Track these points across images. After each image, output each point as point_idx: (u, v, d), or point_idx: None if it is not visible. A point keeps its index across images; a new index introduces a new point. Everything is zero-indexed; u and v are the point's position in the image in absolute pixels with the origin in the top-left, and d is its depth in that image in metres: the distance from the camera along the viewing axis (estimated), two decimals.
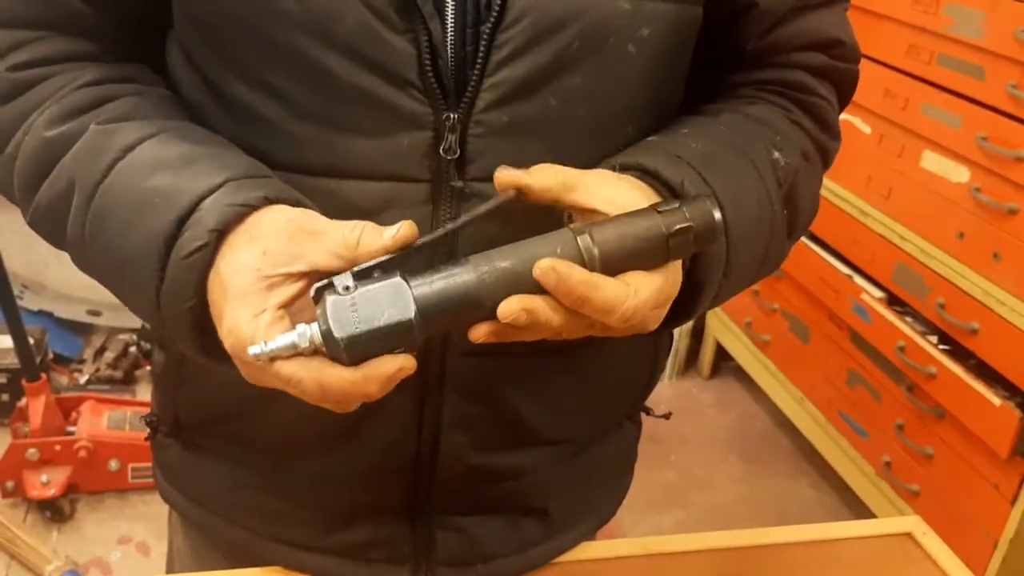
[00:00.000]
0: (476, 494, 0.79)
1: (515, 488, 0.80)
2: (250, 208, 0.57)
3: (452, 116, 0.63)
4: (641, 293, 0.57)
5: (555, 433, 0.79)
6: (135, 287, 0.60)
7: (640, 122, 0.70)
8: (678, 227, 0.56)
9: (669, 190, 0.62)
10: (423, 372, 0.71)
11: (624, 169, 0.64)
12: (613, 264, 0.56)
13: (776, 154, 0.70)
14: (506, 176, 0.58)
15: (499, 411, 0.75)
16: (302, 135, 0.64)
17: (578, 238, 0.56)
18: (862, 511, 2.32)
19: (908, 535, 0.92)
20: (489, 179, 0.65)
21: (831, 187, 2.33)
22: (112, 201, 0.61)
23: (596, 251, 0.56)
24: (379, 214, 0.65)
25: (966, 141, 1.91)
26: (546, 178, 0.59)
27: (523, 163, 0.65)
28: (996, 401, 1.83)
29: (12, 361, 2.26)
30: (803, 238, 2.44)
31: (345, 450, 0.74)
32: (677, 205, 0.57)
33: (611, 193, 0.60)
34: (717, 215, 0.57)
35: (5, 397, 2.36)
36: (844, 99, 0.80)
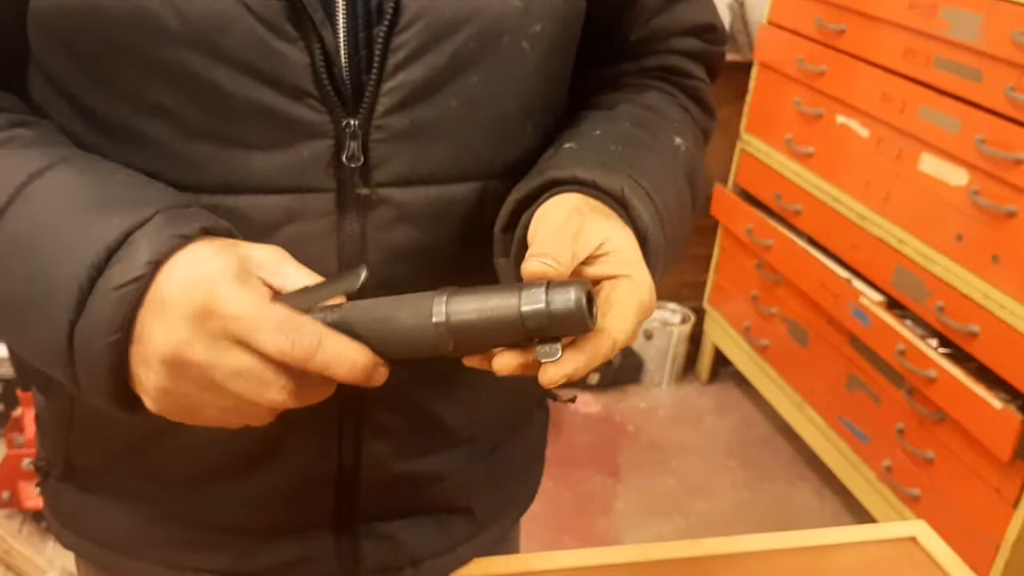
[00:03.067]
0: (400, 500, 0.78)
1: (438, 491, 0.79)
2: (186, 240, 0.54)
3: (352, 123, 0.62)
4: (624, 328, 0.57)
5: (472, 432, 0.79)
6: (42, 324, 0.55)
7: (538, 117, 0.71)
8: (534, 313, 0.54)
9: (611, 198, 0.63)
10: (340, 387, 0.69)
11: (559, 183, 0.63)
12: (465, 341, 0.55)
13: (678, 140, 0.73)
14: (538, 271, 0.56)
15: (418, 417, 0.74)
16: (193, 154, 0.62)
17: (434, 320, 0.55)
18: (863, 516, 2.31)
19: (912, 539, 0.91)
20: (395, 184, 0.64)
21: (829, 191, 2.33)
22: (21, 229, 0.56)
23: (447, 327, 0.55)
24: (282, 228, 0.63)
25: (964, 144, 1.90)
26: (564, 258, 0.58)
27: (427, 165, 0.65)
28: (997, 405, 1.82)
29: (6, 371, 2.25)
30: (801, 242, 2.43)
31: (262, 472, 0.72)
32: (543, 293, 0.54)
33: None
34: (573, 299, 0.54)
35: (0, 407, 2.35)
36: (713, 79, 0.84)
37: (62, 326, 0.54)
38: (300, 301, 0.55)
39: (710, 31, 0.80)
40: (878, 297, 2.20)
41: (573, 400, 0.90)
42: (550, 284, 0.54)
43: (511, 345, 0.55)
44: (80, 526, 0.80)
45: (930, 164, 2.03)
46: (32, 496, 2.11)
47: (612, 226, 0.61)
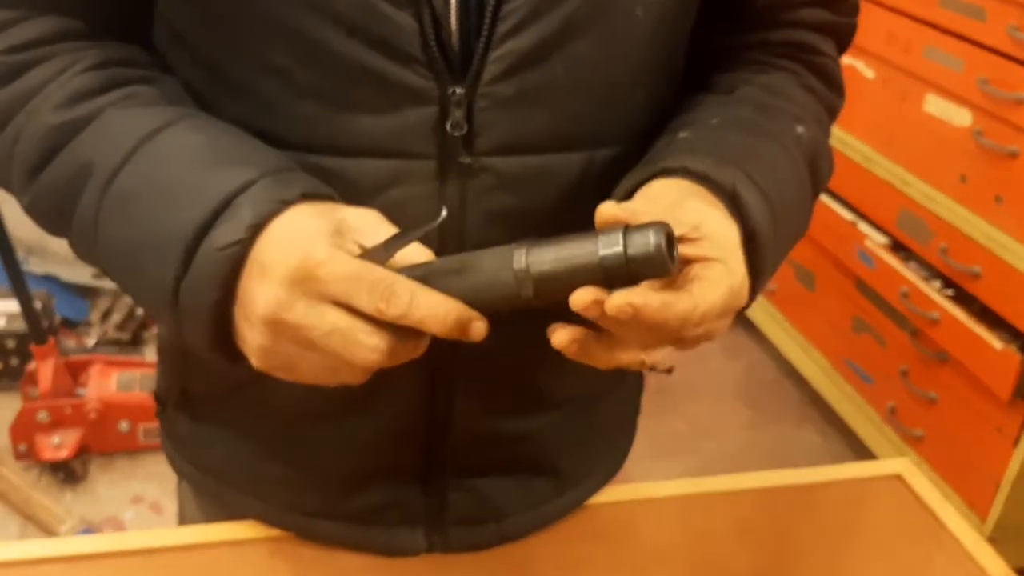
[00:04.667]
0: (488, 457, 0.79)
1: (526, 450, 0.80)
2: (287, 204, 0.57)
3: (457, 90, 0.62)
4: (708, 299, 0.55)
5: (564, 395, 0.79)
6: (151, 277, 0.58)
7: (650, 85, 0.69)
8: (612, 255, 0.53)
9: (722, 192, 0.61)
10: (436, 341, 0.71)
11: (668, 173, 0.62)
12: (546, 288, 0.55)
13: (800, 128, 0.70)
14: (611, 213, 0.56)
15: (510, 379, 0.75)
16: (303, 113, 0.63)
17: (515, 268, 0.55)
18: (867, 456, 2.33)
19: (898, 476, 0.92)
20: (498, 153, 0.64)
21: (835, 132, 2.30)
22: (135, 185, 0.59)
23: (527, 274, 0.55)
24: (385, 191, 0.64)
25: (968, 84, 1.89)
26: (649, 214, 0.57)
27: (531, 134, 0.64)
28: (998, 345, 1.83)
29: (20, 325, 2.28)
30: None
31: (358, 416, 0.74)
32: (620, 236, 0.53)
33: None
34: (652, 241, 0.53)
35: (15, 361, 2.38)
36: (842, 52, 0.80)
37: (169, 281, 0.57)
38: (385, 255, 0.56)
39: (841, 2, 0.75)
40: (883, 239, 2.20)
41: (670, 371, 0.90)
42: (628, 228, 0.53)
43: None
44: (191, 453, 0.84)
45: (935, 105, 2.01)
46: (48, 448, 2.15)
47: (712, 211, 0.59)
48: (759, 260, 0.62)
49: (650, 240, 0.52)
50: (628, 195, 0.63)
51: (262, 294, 0.55)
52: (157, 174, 0.59)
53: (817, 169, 0.72)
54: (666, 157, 0.63)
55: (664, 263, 0.52)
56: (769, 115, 0.70)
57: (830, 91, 0.77)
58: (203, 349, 0.59)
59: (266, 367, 0.58)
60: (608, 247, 0.53)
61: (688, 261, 0.57)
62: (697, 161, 0.62)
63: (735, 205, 0.61)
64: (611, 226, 0.54)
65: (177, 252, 0.56)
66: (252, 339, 0.56)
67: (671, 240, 0.53)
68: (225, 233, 0.55)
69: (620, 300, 0.52)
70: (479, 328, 0.56)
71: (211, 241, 0.56)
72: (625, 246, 0.52)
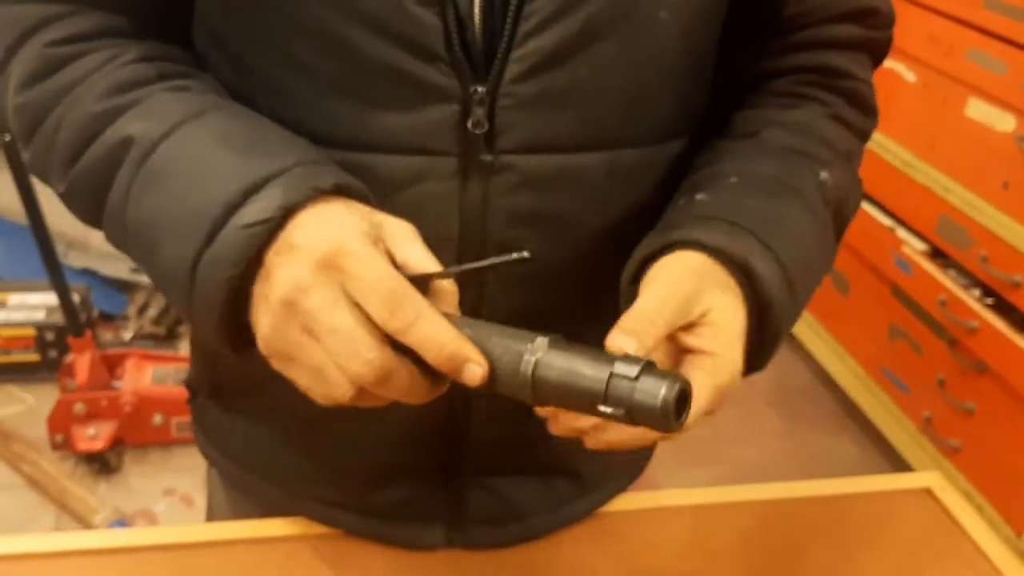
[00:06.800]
0: (509, 457, 0.79)
1: (546, 450, 0.80)
2: (320, 192, 0.57)
3: (479, 89, 0.62)
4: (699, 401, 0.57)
5: None
6: (171, 248, 0.59)
7: (677, 87, 0.69)
8: (616, 400, 0.51)
9: (734, 265, 0.61)
10: None
11: (681, 245, 0.62)
12: (544, 395, 0.54)
13: (824, 174, 0.69)
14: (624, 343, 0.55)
15: None
16: (331, 110, 0.64)
17: (521, 367, 0.53)
18: (903, 467, 2.29)
19: (927, 490, 0.90)
20: (520, 151, 0.64)
21: (874, 136, 2.27)
22: (171, 159, 0.60)
23: (530, 377, 0.53)
24: (407, 188, 0.65)
25: (1012, 88, 1.85)
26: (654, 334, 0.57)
27: (554, 134, 0.65)
28: None
29: (59, 318, 2.31)
30: None
31: (378, 413, 0.73)
32: (635, 374, 0.50)
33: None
34: (660, 397, 0.50)
35: (53, 353, 2.42)
36: (876, 65, 0.78)
37: (189, 253, 0.57)
38: (421, 285, 0.56)
39: (872, 15, 0.73)
40: (921, 246, 2.17)
41: None
42: (646, 368, 0.50)
43: (589, 412, 0.53)
44: (219, 441, 0.86)
45: (977, 109, 1.98)
46: (84, 439, 2.18)
47: (722, 298, 0.60)
48: (772, 328, 0.62)
49: (659, 394, 0.49)
50: (641, 264, 0.63)
51: (284, 272, 0.54)
52: (193, 153, 0.59)
53: (842, 213, 0.72)
54: (680, 226, 0.63)
55: (667, 421, 0.50)
56: (791, 165, 0.69)
57: (863, 116, 0.76)
58: (208, 329, 0.59)
59: (268, 349, 0.57)
60: (616, 389, 0.50)
61: (686, 350, 0.59)
62: (710, 233, 0.62)
63: (748, 278, 0.61)
64: (635, 358, 0.52)
65: (203, 227, 0.56)
66: (264, 318, 0.56)
67: (684, 395, 0.50)
68: (253, 212, 0.55)
69: (595, 443, 0.59)
70: (473, 371, 0.55)
71: (239, 218, 0.55)
72: (633, 390, 0.50)
